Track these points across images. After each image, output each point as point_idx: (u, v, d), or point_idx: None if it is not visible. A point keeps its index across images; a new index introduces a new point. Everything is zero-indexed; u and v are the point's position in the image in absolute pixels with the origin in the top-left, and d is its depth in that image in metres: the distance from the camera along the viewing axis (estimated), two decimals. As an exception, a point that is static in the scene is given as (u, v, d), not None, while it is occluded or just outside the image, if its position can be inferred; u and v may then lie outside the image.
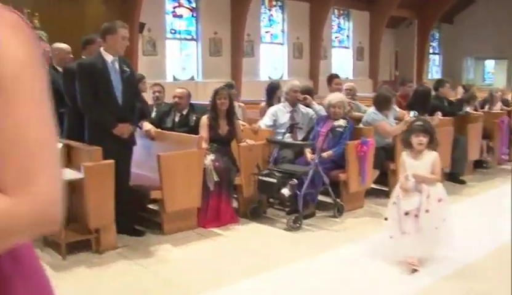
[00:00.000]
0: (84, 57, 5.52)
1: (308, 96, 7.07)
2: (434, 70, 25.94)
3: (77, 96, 4.97)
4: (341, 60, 21.15)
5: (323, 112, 6.71)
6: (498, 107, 9.68)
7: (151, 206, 6.33)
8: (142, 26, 13.93)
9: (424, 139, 4.31)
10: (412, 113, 7.05)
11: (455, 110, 8.01)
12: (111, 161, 4.70)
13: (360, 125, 6.70)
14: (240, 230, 5.58)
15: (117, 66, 4.95)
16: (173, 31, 15.26)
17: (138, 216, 5.83)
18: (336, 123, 6.11)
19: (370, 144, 6.03)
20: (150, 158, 5.74)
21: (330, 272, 4.40)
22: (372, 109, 6.86)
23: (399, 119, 6.94)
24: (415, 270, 4.28)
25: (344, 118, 6.24)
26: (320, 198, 6.46)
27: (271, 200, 6.57)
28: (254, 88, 10.56)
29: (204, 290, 3.99)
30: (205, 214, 5.61)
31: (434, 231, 4.31)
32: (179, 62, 15.87)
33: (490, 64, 26.77)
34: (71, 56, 5.91)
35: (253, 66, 16.84)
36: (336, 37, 20.54)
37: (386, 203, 6.69)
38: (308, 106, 6.95)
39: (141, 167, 5.75)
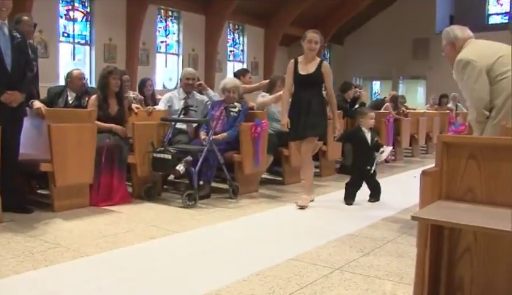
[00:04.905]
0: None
1: (202, 82, 7.18)
2: (325, 89, 26.88)
3: (-40, 62, 4.70)
4: (236, 74, 21.38)
5: (217, 98, 6.83)
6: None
7: (40, 192, 6.14)
8: (34, 27, 13.40)
9: None
10: None
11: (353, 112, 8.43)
12: (-3, 126, 4.49)
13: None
14: (134, 208, 5.49)
15: (6, 30, 4.74)
16: (66, 34, 14.81)
17: (27, 198, 5.60)
18: (230, 105, 6.21)
19: (263, 125, 6.16)
20: (41, 138, 5.53)
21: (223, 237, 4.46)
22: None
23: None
24: None
25: (239, 102, 6.36)
26: (216, 184, 6.54)
27: (165, 186, 6.56)
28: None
29: (96, 252, 3.90)
30: (97, 192, 5.49)
31: None
32: (71, 66, 15.37)
33: (376, 84, 28.06)
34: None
35: (147, 74, 16.62)
36: (231, 51, 20.79)
37: (281, 188, 6.93)
38: (201, 92, 7.02)
39: (31, 148, 5.52)
